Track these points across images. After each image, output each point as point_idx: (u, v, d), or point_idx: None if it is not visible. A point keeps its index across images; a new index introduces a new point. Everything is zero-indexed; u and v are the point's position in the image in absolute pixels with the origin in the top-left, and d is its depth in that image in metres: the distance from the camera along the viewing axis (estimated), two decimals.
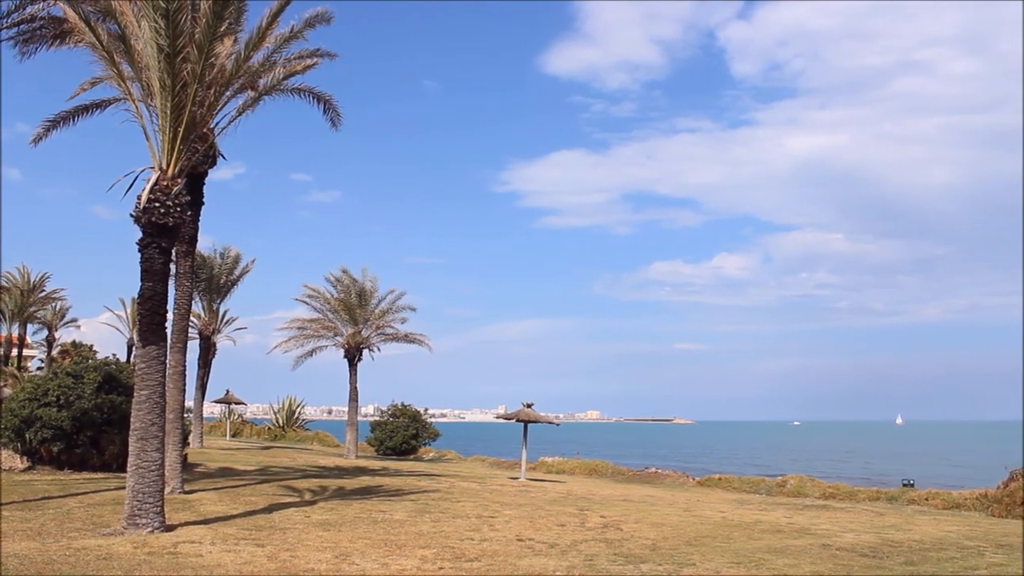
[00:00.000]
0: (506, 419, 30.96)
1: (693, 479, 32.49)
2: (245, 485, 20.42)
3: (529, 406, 29.40)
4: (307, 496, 18.69)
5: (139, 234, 13.33)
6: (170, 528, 13.24)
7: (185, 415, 21.05)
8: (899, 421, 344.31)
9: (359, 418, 39.17)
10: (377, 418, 45.10)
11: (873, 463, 63.51)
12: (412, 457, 42.03)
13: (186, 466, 20.81)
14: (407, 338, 38.87)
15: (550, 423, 32.46)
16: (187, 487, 18.69)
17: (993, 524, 19.17)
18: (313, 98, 19.70)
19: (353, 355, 38.05)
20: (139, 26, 13.10)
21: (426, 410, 45.16)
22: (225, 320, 41.84)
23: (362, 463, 33.02)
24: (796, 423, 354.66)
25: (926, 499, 25.10)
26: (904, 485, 28.85)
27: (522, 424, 29.62)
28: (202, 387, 39.74)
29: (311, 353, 38.62)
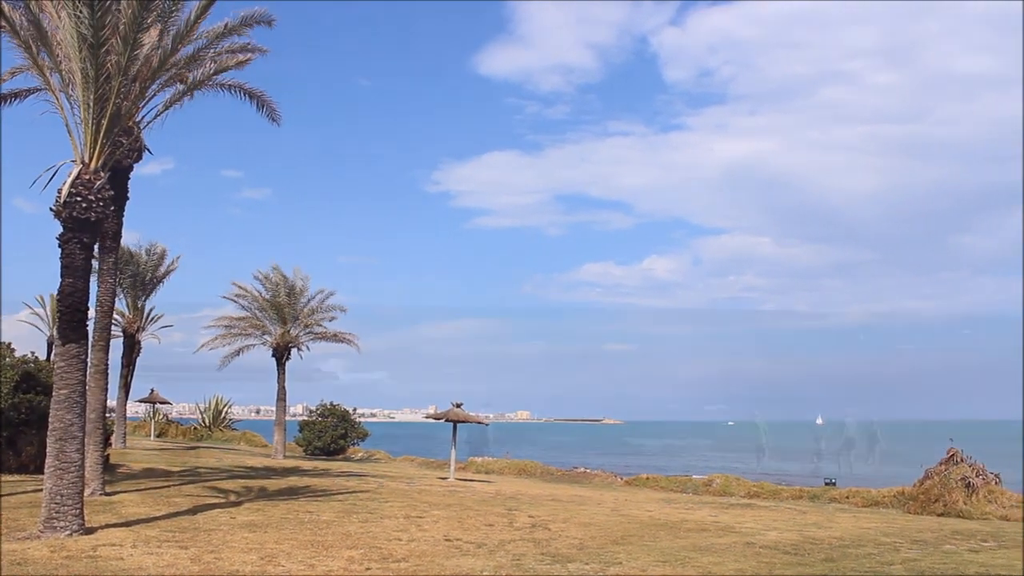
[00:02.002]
0: (435, 419, 30.91)
1: (621, 479, 32.80)
2: (169, 486, 20.04)
3: (458, 406, 29.38)
4: (232, 497, 18.41)
5: (60, 229, 13.02)
6: (90, 531, 12.94)
7: (107, 415, 20.58)
8: (819, 421, 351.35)
9: (287, 418, 38.72)
10: (305, 418, 44.62)
11: (797, 462, 64.81)
12: (341, 457, 41.66)
13: (108, 467, 20.34)
14: (336, 337, 38.53)
15: (479, 423, 32.50)
16: (109, 488, 18.27)
17: (909, 520, 19.73)
18: (245, 94, 19.41)
19: (282, 354, 37.59)
20: (59, 15, 12.78)
21: (355, 410, 44.82)
22: (150, 318, 41.02)
23: (290, 463, 32.64)
24: (730, 423, 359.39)
25: (847, 497, 25.72)
26: (826, 484, 29.49)
27: (451, 424, 29.58)
28: (125, 386, 38.87)
29: (238, 352, 38.06)
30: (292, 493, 19.82)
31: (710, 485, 28.74)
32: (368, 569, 10.98)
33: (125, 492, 18.37)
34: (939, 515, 21.66)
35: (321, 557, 11.64)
